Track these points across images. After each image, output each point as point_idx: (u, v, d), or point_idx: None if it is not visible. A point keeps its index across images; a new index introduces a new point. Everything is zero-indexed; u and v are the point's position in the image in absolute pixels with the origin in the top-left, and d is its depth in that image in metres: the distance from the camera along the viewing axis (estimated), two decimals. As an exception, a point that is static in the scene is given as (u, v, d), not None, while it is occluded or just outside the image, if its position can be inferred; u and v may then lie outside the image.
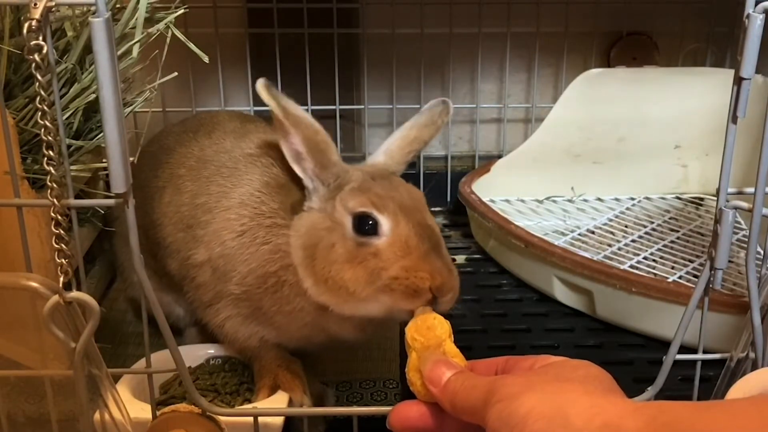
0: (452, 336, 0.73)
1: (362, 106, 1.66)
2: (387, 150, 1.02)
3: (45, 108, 0.68)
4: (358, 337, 1.00)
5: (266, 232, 0.95)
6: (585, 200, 1.63)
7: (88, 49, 0.98)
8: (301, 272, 0.93)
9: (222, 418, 0.85)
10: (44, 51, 0.65)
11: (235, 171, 1.01)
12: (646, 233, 1.49)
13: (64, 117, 0.95)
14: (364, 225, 0.89)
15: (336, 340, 1.01)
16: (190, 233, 1.01)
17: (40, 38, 0.65)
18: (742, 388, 0.75)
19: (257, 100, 1.60)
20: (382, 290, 0.87)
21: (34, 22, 0.64)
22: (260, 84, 0.91)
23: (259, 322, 1.00)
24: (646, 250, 1.41)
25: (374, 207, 0.89)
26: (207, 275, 1.00)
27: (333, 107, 1.63)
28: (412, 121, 1.04)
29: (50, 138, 0.68)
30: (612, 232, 1.49)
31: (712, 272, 0.81)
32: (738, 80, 0.74)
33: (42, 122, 0.68)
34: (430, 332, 0.72)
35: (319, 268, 0.90)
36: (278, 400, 0.97)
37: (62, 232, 0.70)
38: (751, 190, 0.79)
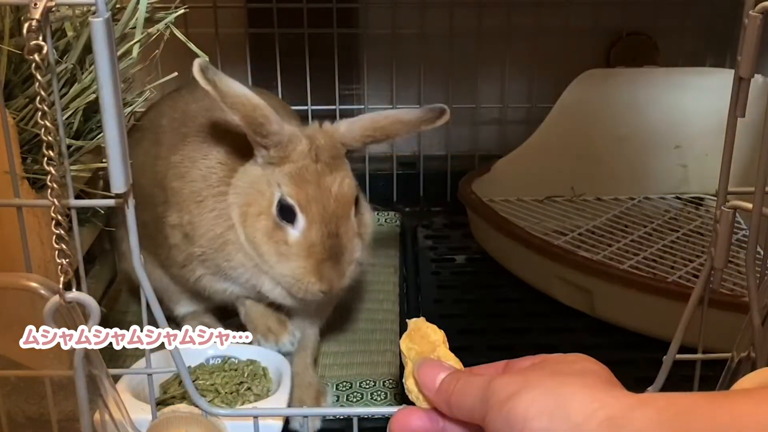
0: (447, 342, 0.72)
1: (362, 107, 1.66)
2: (351, 123, 1.05)
3: (45, 108, 0.68)
4: (291, 304, 1.07)
5: (213, 201, 1.04)
6: (585, 200, 1.63)
7: (88, 49, 0.98)
8: (237, 227, 1.03)
9: (222, 418, 0.85)
10: (44, 51, 0.65)
11: (207, 138, 1.07)
12: (645, 233, 1.49)
13: (64, 117, 0.95)
14: (286, 213, 1.00)
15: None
16: (164, 194, 1.07)
17: (40, 38, 0.65)
18: (745, 387, 0.75)
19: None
20: (282, 277, 1.01)
21: (34, 22, 0.64)
22: (197, 66, 0.93)
23: (225, 279, 1.08)
24: (646, 250, 1.41)
25: (299, 205, 0.99)
26: (178, 238, 1.07)
27: (333, 107, 1.63)
28: (395, 111, 1.07)
29: (50, 138, 0.68)
30: (612, 232, 1.49)
31: (712, 272, 0.81)
32: (738, 80, 0.74)
33: (42, 122, 0.68)
34: (424, 339, 0.72)
35: (247, 231, 1.02)
36: (278, 400, 0.97)
37: (62, 232, 0.70)
38: (751, 190, 0.79)
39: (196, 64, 0.93)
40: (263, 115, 0.96)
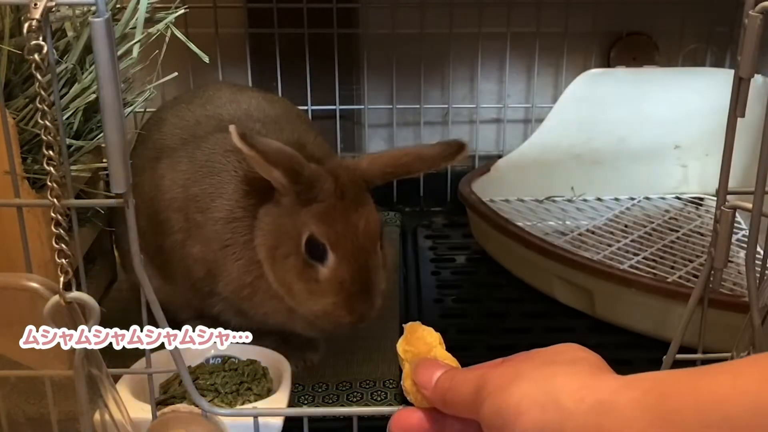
0: (443, 344, 0.72)
1: (362, 107, 1.67)
2: (374, 159, 1.06)
3: (45, 108, 0.67)
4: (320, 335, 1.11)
5: (241, 248, 1.03)
6: (585, 200, 1.63)
7: (88, 49, 0.98)
8: (266, 269, 1.02)
9: (222, 419, 0.85)
10: (44, 51, 0.65)
11: (221, 170, 1.05)
12: (645, 233, 1.49)
13: (65, 117, 0.95)
14: (315, 251, 0.99)
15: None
16: (184, 222, 1.06)
17: (40, 38, 0.65)
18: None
19: (257, 100, 1.60)
20: (313, 314, 1.01)
21: (34, 22, 0.64)
22: (236, 135, 0.93)
23: (246, 318, 1.08)
24: (646, 250, 1.41)
25: (329, 243, 0.98)
26: (202, 273, 1.06)
27: (333, 107, 1.63)
28: (416, 148, 1.07)
29: (50, 138, 0.68)
30: (612, 232, 1.49)
31: (712, 272, 0.81)
32: (738, 80, 0.74)
33: (42, 122, 0.68)
34: (420, 341, 0.72)
35: (276, 272, 1.02)
36: (278, 400, 0.97)
37: (62, 232, 0.70)
38: (751, 190, 0.79)
39: (234, 132, 0.93)
40: (298, 164, 0.97)
